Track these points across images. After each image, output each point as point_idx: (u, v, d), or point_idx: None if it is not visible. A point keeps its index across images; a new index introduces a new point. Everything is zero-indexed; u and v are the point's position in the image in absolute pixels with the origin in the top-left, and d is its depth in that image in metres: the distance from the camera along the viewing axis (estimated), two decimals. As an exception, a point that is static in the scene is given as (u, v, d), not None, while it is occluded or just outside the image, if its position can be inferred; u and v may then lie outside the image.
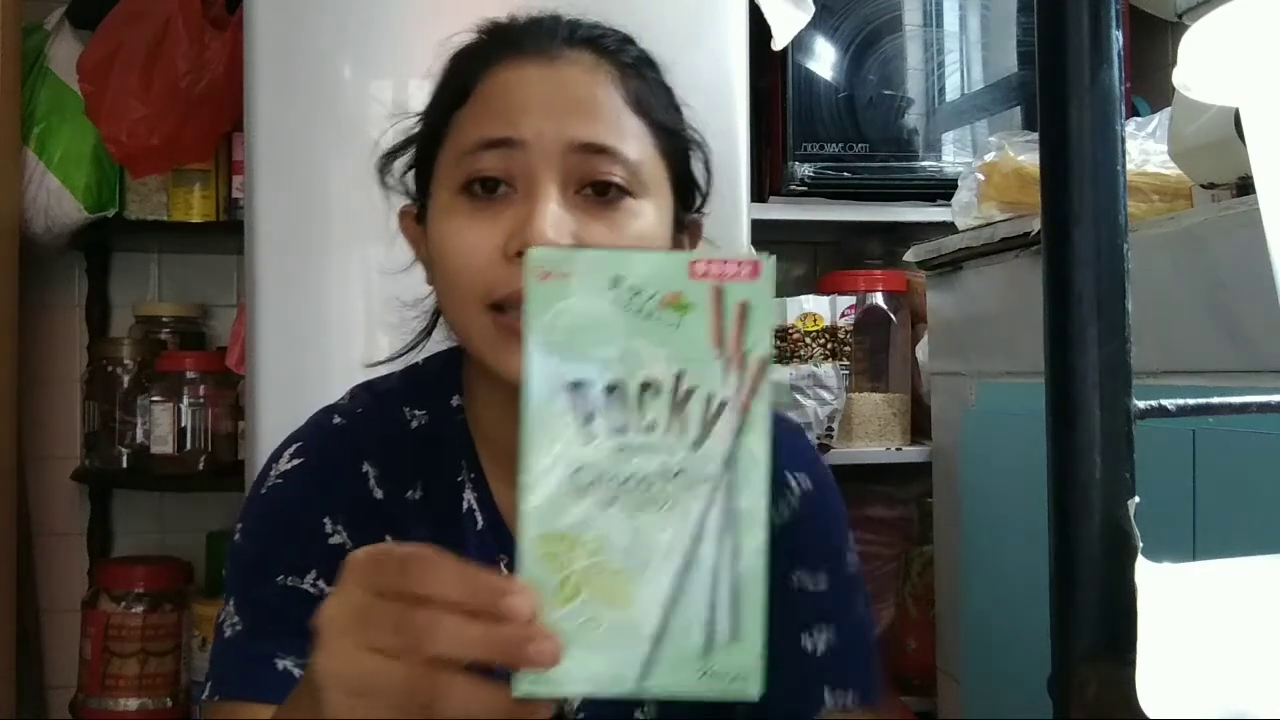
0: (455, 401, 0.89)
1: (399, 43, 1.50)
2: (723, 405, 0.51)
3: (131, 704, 2.01)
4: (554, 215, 0.77)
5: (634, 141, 0.81)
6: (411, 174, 0.90)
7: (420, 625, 0.50)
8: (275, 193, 1.48)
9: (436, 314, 0.92)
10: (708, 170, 0.92)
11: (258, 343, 1.47)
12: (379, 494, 0.85)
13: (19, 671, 1.99)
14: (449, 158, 0.82)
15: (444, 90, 0.86)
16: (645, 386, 0.51)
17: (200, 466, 2.06)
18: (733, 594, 0.51)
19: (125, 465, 2.12)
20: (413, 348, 0.95)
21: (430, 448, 0.87)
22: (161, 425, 2.04)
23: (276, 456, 0.87)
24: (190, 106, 1.95)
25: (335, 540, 0.83)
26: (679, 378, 0.51)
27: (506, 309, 0.78)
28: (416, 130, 0.89)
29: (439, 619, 0.50)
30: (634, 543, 0.51)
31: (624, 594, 0.51)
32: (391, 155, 0.91)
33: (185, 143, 1.99)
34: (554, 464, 0.51)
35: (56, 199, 2.03)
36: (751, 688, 0.51)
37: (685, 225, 0.89)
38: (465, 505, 0.86)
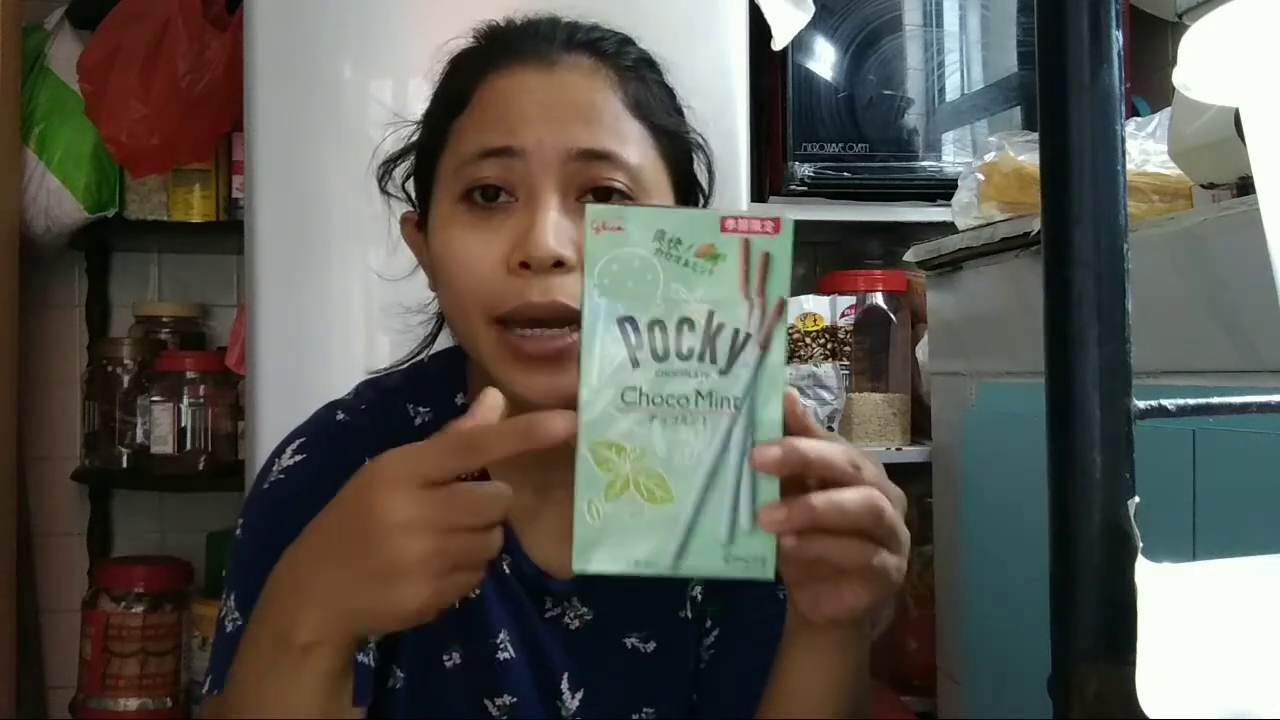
0: (460, 400, 0.89)
1: (399, 43, 1.50)
2: (747, 338, 0.61)
3: (131, 704, 2.02)
4: (555, 224, 0.77)
5: (634, 146, 0.81)
6: (411, 181, 0.89)
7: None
8: (275, 193, 1.48)
9: (441, 319, 0.92)
10: (710, 172, 0.91)
11: (258, 343, 1.47)
12: None
13: (19, 671, 2.00)
14: (449, 166, 0.82)
15: (442, 97, 0.86)
16: (683, 322, 0.60)
17: (200, 466, 2.06)
18: (752, 492, 0.61)
19: (125, 465, 2.12)
20: (418, 354, 0.95)
21: None
22: (161, 425, 2.04)
23: (279, 452, 0.87)
24: (190, 106, 1.95)
25: None
26: (711, 316, 0.60)
27: (511, 325, 0.78)
28: (416, 138, 0.88)
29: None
30: (671, 450, 0.60)
31: (663, 491, 0.60)
32: (391, 163, 0.91)
33: (185, 143, 1.99)
34: (605, 385, 0.60)
35: (56, 199, 2.03)
36: (768, 569, 0.61)
37: None
38: None
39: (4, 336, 1.95)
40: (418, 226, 0.88)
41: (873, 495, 0.64)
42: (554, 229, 0.77)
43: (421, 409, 0.89)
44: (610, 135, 0.80)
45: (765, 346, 0.61)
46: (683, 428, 0.60)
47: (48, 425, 2.23)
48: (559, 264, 0.76)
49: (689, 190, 0.88)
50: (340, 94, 1.49)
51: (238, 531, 0.86)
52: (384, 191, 0.92)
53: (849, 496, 0.63)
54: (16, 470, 2.04)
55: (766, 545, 0.61)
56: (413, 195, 0.90)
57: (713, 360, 0.60)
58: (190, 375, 2.06)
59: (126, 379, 2.12)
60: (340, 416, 0.88)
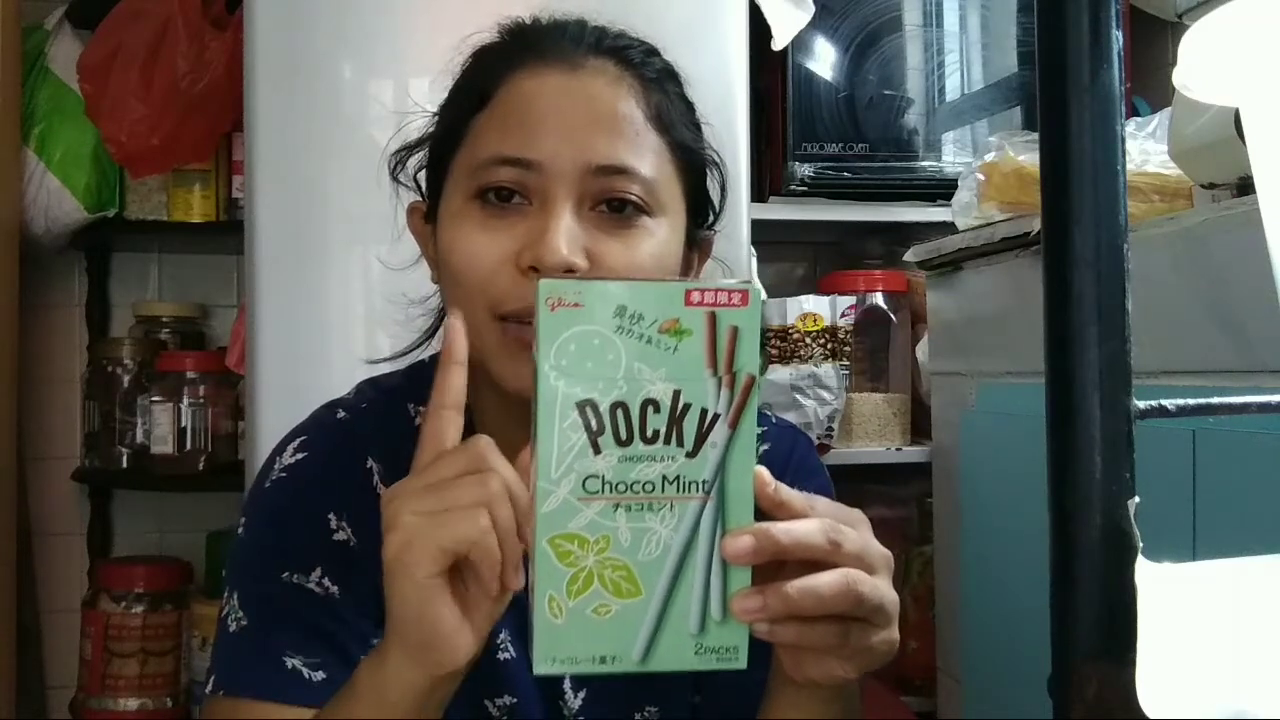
0: None
1: (399, 43, 1.50)
2: (715, 418, 0.58)
3: (131, 704, 2.01)
4: (568, 231, 0.77)
5: (652, 158, 0.80)
6: (423, 172, 0.89)
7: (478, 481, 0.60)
8: (275, 193, 1.48)
9: (442, 312, 0.92)
10: (722, 190, 0.91)
11: (258, 343, 1.47)
12: (382, 490, 0.84)
13: (19, 671, 1.99)
14: (464, 164, 0.81)
15: (462, 92, 0.85)
16: (647, 404, 0.57)
17: (200, 466, 2.06)
18: (723, 579, 0.59)
19: (125, 465, 2.11)
20: (418, 346, 0.95)
21: None
22: (161, 425, 2.04)
23: (280, 451, 0.87)
24: (190, 106, 1.95)
25: (339, 536, 0.83)
26: (677, 395, 0.57)
27: (515, 321, 0.78)
28: (432, 129, 0.88)
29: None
30: (637, 540, 0.58)
31: (629, 583, 0.58)
32: (406, 151, 0.90)
33: (185, 143, 1.99)
34: (564, 474, 0.57)
35: (56, 199, 2.03)
36: (740, 659, 0.59)
37: (697, 242, 0.89)
38: None
39: (4, 336, 1.95)
40: (425, 218, 0.88)
41: (850, 577, 0.60)
42: (567, 236, 0.77)
43: (422, 408, 0.88)
44: (629, 149, 0.79)
45: (735, 425, 0.58)
46: (648, 515, 0.58)
47: (48, 425, 2.23)
48: (569, 270, 0.76)
49: (701, 206, 0.88)
50: (340, 94, 1.49)
51: (239, 530, 0.86)
52: (394, 179, 0.91)
53: (825, 582, 0.59)
54: (16, 470, 2.04)
55: (739, 635, 0.59)
56: (423, 186, 0.89)
57: (679, 442, 0.57)
58: (190, 375, 2.06)
59: (126, 379, 2.12)
60: (340, 415, 0.88)
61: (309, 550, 0.82)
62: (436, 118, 0.87)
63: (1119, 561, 0.45)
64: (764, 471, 0.60)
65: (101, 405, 2.12)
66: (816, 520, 0.61)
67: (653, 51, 0.86)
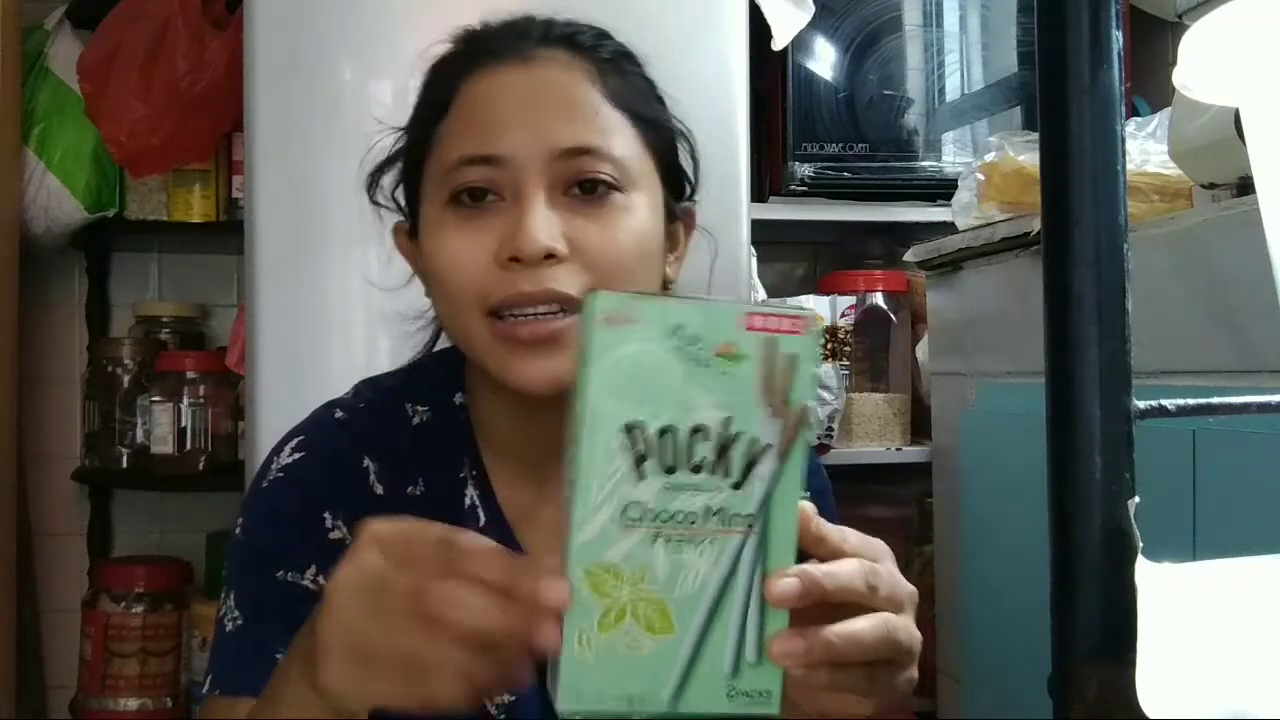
0: (458, 399, 0.89)
1: (399, 43, 1.50)
2: (765, 449, 0.55)
3: (131, 704, 2.01)
4: (543, 218, 0.77)
5: (617, 136, 0.81)
6: (400, 189, 0.90)
7: (439, 595, 0.52)
8: (275, 193, 1.48)
9: (439, 325, 0.92)
10: (694, 159, 0.92)
11: (258, 343, 1.47)
12: (380, 489, 0.85)
13: (19, 671, 1.99)
14: (434, 173, 0.82)
15: (424, 103, 0.86)
16: (695, 430, 0.54)
17: (200, 466, 2.06)
18: (760, 621, 0.55)
19: (125, 465, 2.11)
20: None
21: (432, 444, 0.88)
22: (161, 425, 2.04)
23: (278, 450, 0.87)
24: (190, 106, 1.95)
25: (335, 535, 0.83)
26: (727, 423, 0.54)
27: (503, 315, 0.78)
28: (400, 145, 0.89)
29: (460, 590, 0.52)
30: (674, 574, 0.54)
31: (663, 620, 0.54)
32: (378, 172, 0.92)
33: (185, 143, 1.99)
34: (605, 500, 0.53)
35: (56, 199, 2.03)
36: (773, 705, 0.56)
37: (678, 215, 0.89)
38: (468, 501, 0.87)
39: (4, 336, 1.94)
40: (409, 235, 0.88)
41: (889, 624, 0.59)
42: (543, 223, 0.77)
43: (420, 408, 0.89)
44: (592, 129, 0.80)
45: (784, 458, 0.55)
46: (688, 549, 0.54)
47: (48, 425, 2.23)
48: (549, 256, 0.77)
49: (675, 179, 0.89)
50: (340, 94, 1.49)
51: (236, 530, 0.87)
52: (373, 202, 0.92)
53: (866, 629, 0.58)
54: (16, 470, 2.04)
55: (774, 679, 0.56)
56: (402, 204, 0.90)
57: (726, 473, 0.54)
58: (190, 375, 2.06)
59: (126, 379, 2.12)
60: (338, 415, 0.88)
61: (304, 549, 0.82)
62: (403, 134, 0.88)
63: (1119, 561, 0.45)
64: (809, 507, 0.58)
65: (101, 405, 2.12)
66: (856, 562, 0.59)
67: (604, 35, 0.87)
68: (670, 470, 0.54)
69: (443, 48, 0.87)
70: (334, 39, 1.49)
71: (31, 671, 2.12)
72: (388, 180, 0.91)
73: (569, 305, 0.77)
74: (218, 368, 2.06)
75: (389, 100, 1.49)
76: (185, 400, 2.05)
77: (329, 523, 0.83)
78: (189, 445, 2.05)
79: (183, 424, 2.05)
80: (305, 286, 1.47)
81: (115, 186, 2.10)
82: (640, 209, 0.82)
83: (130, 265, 2.29)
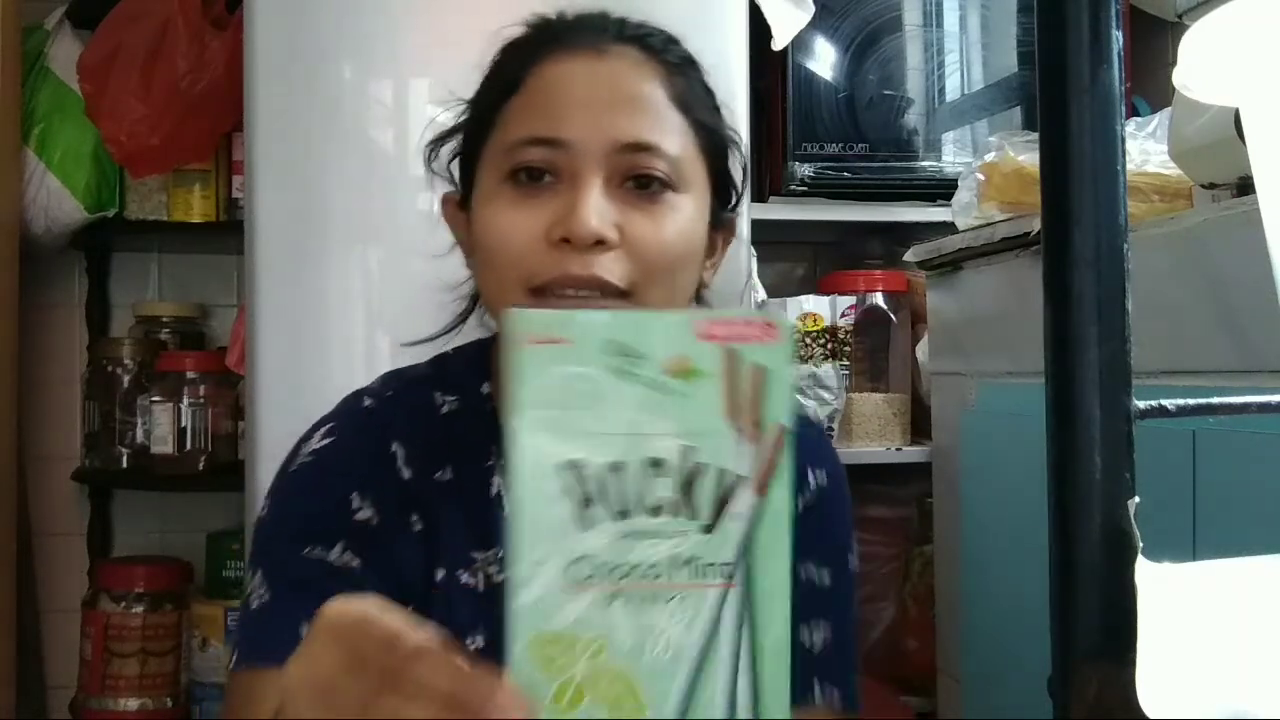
0: (485, 389, 0.91)
1: (399, 43, 1.50)
2: (737, 481, 0.47)
3: (131, 704, 2.01)
4: (597, 204, 0.80)
5: (676, 137, 0.84)
6: (456, 161, 0.92)
7: (387, 711, 0.47)
8: (275, 193, 1.48)
9: (474, 299, 0.94)
10: (744, 170, 0.95)
11: (258, 343, 1.47)
12: (406, 474, 0.87)
13: (19, 671, 1.99)
14: (496, 148, 0.85)
15: (493, 82, 0.89)
16: (651, 464, 0.46)
17: (200, 466, 2.06)
18: (754, 689, 0.46)
19: (125, 465, 2.11)
20: (453, 328, 0.98)
21: (460, 432, 0.89)
22: (161, 425, 2.04)
23: (306, 438, 0.89)
24: (190, 106, 1.95)
25: (362, 516, 0.85)
26: (687, 453, 0.46)
27: (546, 293, 0.80)
28: (464, 118, 0.91)
29: (404, 708, 0.47)
30: (640, 641, 0.46)
31: (631, 698, 0.46)
32: (439, 141, 0.94)
33: (185, 143, 1.99)
34: (547, 555, 0.45)
35: (56, 199, 2.03)
36: None
37: (721, 223, 0.91)
38: (494, 489, 0.88)
39: (4, 336, 1.94)
40: (459, 206, 0.91)
41: None
42: (597, 209, 0.79)
43: (448, 398, 0.91)
44: (653, 127, 0.83)
45: (763, 490, 0.46)
46: (654, 609, 0.45)
47: (48, 425, 2.23)
48: (599, 242, 0.79)
49: (724, 186, 0.91)
50: (340, 94, 1.49)
51: (262, 511, 0.88)
52: (429, 169, 0.95)
53: None
54: (16, 470, 2.04)
55: None
56: (455, 175, 0.93)
57: (692, 514, 0.46)
58: (190, 375, 2.06)
59: (126, 379, 2.12)
60: (367, 403, 0.90)
61: (331, 527, 0.84)
62: (468, 108, 0.91)
63: (1119, 561, 0.45)
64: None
65: (101, 405, 2.12)
66: None
67: (673, 40, 0.90)
68: (623, 514, 0.46)
69: (517, 30, 0.90)
70: (334, 39, 1.49)
71: (31, 671, 2.12)
72: (444, 151, 0.94)
73: (609, 292, 0.79)
74: (218, 368, 2.06)
75: (389, 100, 1.49)
76: (185, 400, 2.05)
77: (356, 503, 0.85)
78: (189, 445, 2.05)
79: (183, 424, 2.05)
80: (305, 286, 1.47)
81: (115, 186, 2.10)
82: (688, 210, 0.84)
83: (130, 265, 2.29)
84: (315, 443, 0.88)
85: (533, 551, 0.45)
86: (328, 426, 0.89)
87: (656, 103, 0.84)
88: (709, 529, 0.46)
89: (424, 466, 0.87)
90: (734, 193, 0.93)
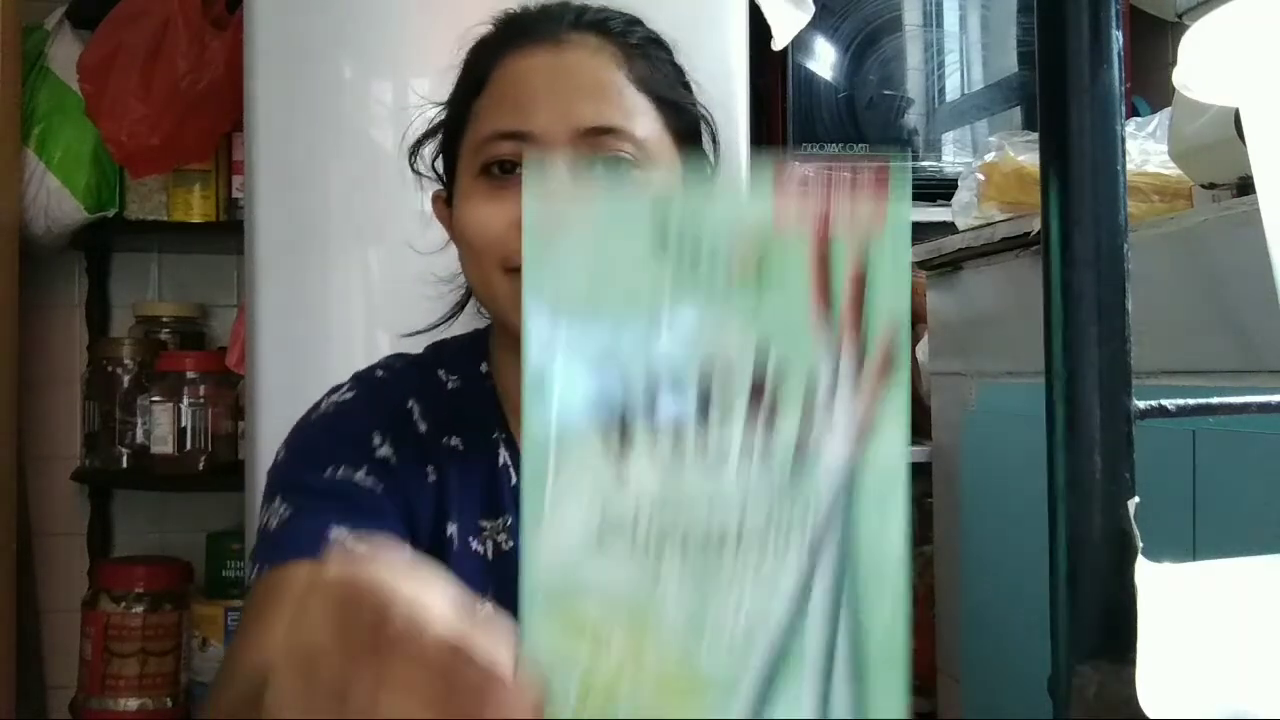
0: (483, 368, 0.94)
1: (399, 43, 1.50)
2: (830, 404, 0.34)
3: (131, 704, 2.01)
4: None
5: (640, 118, 0.86)
6: (439, 160, 0.95)
7: (359, 697, 0.39)
8: (275, 193, 1.48)
9: (469, 290, 0.97)
10: (715, 142, 0.96)
11: (258, 343, 1.47)
12: (422, 427, 0.89)
13: (19, 671, 1.99)
14: (469, 145, 0.88)
15: (463, 80, 0.92)
16: (708, 378, 0.33)
17: (200, 466, 2.06)
18: (856, 688, 0.34)
19: (125, 465, 2.12)
20: (449, 318, 1.01)
21: (465, 405, 0.92)
22: (161, 425, 2.04)
23: (328, 395, 0.91)
24: (190, 106, 1.95)
25: (382, 453, 0.86)
26: (760, 362, 0.34)
27: None
28: (441, 118, 0.94)
29: (381, 696, 0.39)
30: (699, 617, 0.33)
31: (680, 700, 0.33)
32: (418, 144, 0.97)
33: (185, 143, 1.99)
34: (567, 505, 0.33)
35: (56, 199, 2.03)
36: None
37: None
38: (501, 460, 0.90)
39: (4, 336, 1.94)
40: (446, 203, 0.93)
41: None
42: None
43: (451, 376, 0.93)
44: (616, 110, 0.85)
45: (867, 422, 0.33)
46: (715, 584, 0.33)
47: (48, 425, 2.23)
48: None
49: (696, 162, 0.92)
50: (340, 94, 1.49)
51: (278, 456, 0.88)
52: (414, 171, 0.98)
53: None
54: (16, 470, 2.04)
55: None
56: (440, 173, 0.95)
57: (767, 455, 0.33)
58: (190, 375, 2.06)
59: (126, 379, 2.12)
60: (380, 374, 0.93)
61: (355, 455, 0.85)
62: (445, 108, 0.94)
63: (1119, 561, 0.45)
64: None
65: (101, 405, 2.12)
66: None
67: (634, 21, 0.92)
68: (676, 455, 0.34)
69: (484, 29, 0.93)
70: (334, 39, 1.49)
71: (31, 671, 2.12)
72: (428, 152, 0.97)
73: None
74: (218, 368, 2.06)
75: (389, 100, 1.49)
76: (185, 400, 2.05)
77: (377, 440, 0.86)
78: (189, 445, 2.05)
79: (183, 424, 2.05)
80: (305, 286, 1.47)
81: (115, 186, 2.10)
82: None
83: (130, 265, 2.29)
84: (339, 396, 0.90)
85: (551, 497, 0.34)
86: (345, 386, 0.91)
87: (618, 86, 0.86)
88: (794, 474, 0.34)
89: (436, 430, 0.89)
90: (707, 166, 0.95)
